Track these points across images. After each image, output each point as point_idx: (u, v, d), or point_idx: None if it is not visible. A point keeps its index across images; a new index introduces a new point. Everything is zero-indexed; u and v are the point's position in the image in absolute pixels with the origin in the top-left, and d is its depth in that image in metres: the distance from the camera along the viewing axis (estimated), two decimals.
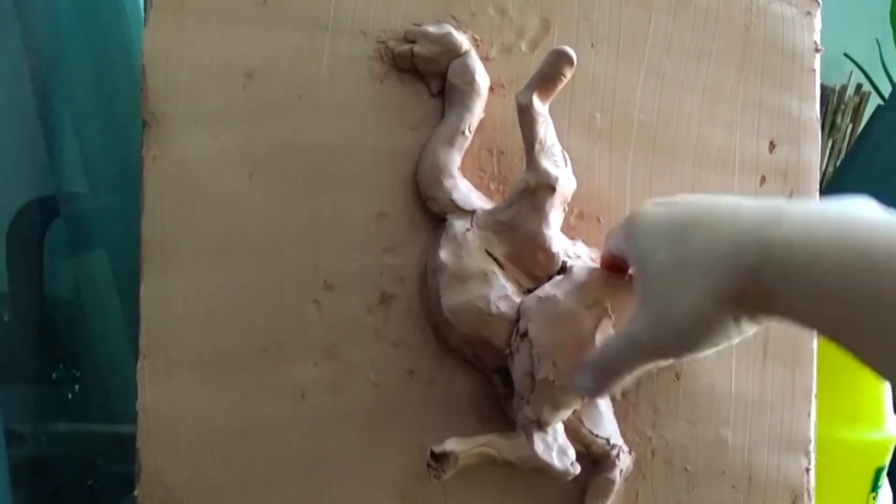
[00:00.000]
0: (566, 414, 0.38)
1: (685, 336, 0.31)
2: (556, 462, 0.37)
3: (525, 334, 0.37)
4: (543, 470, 0.37)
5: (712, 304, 0.30)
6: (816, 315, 0.28)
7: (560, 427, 0.38)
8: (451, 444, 0.36)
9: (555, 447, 0.38)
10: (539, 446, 0.37)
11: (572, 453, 0.38)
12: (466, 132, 0.40)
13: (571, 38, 0.42)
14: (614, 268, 0.38)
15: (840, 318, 0.27)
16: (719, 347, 0.32)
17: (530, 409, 0.37)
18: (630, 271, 0.38)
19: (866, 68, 1.11)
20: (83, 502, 0.61)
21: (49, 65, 0.58)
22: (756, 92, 0.44)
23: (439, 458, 0.36)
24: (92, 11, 0.60)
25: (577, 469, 0.38)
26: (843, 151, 1.07)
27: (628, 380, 0.35)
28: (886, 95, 1.06)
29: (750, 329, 0.31)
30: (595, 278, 0.38)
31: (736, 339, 0.31)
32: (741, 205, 0.31)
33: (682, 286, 0.30)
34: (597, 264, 0.41)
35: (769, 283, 0.28)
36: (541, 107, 0.38)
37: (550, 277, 0.39)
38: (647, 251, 0.33)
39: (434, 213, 0.40)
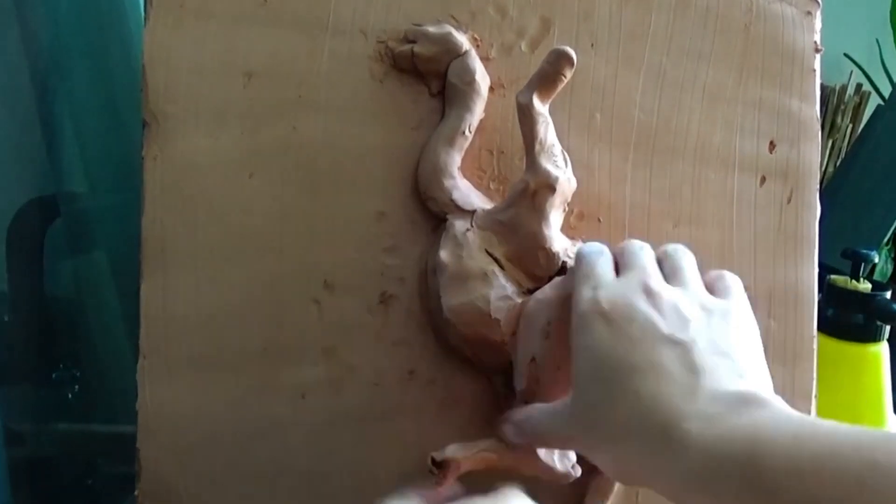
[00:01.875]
0: None
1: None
2: (558, 465, 0.37)
3: (527, 338, 0.37)
4: (544, 473, 0.37)
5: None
6: None
7: None
8: (452, 451, 0.36)
9: (556, 450, 0.38)
10: (541, 450, 0.37)
11: (573, 456, 0.38)
12: (466, 132, 0.40)
13: (571, 39, 0.42)
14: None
15: None
16: None
17: None
18: None
19: (866, 68, 1.11)
20: (83, 502, 0.61)
21: (49, 65, 0.58)
22: (756, 92, 0.44)
23: (440, 465, 0.35)
24: (92, 11, 0.59)
25: (578, 472, 0.38)
26: (843, 151, 1.07)
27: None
28: (886, 95, 1.06)
29: None
30: None
31: None
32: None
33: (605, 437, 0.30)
34: None
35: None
36: (541, 107, 0.38)
37: (551, 278, 0.39)
38: (587, 349, 0.31)
39: (434, 213, 0.40)
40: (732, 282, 0.34)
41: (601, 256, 0.34)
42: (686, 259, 0.34)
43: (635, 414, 0.28)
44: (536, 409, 0.35)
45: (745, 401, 0.28)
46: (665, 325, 0.30)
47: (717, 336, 0.30)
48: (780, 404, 0.28)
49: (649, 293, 0.31)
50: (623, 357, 0.30)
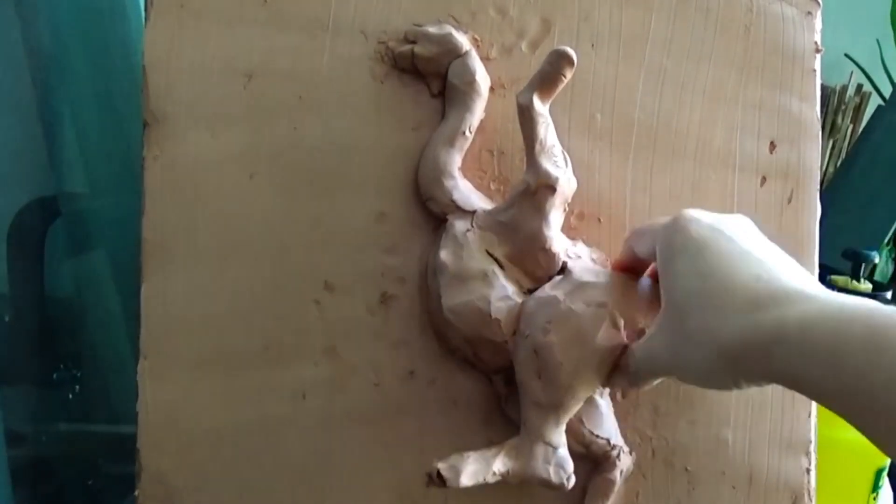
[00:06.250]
0: (572, 412, 0.38)
1: (690, 377, 0.33)
2: (553, 477, 0.37)
3: (527, 337, 0.37)
4: (542, 484, 0.37)
5: (719, 362, 0.31)
6: (823, 391, 0.28)
7: (563, 440, 0.38)
8: (469, 475, 0.35)
9: (552, 462, 0.37)
10: (537, 462, 0.37)
11: (569, 467, 0.38)
12: (467, 133, 0.40)
13: (572, 39, 0.42)
14: (627, 270, 0.39)
15: (850, 395, 0.27)
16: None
17: (537, 411, 0.37)
18: (646, 273, 0.39)
19: (867, 69, 1.11)
20: (84, 502, 0.61)
21: (49, 65, 0.58)
22: (756, 92, 0.44)
23: (443, 477, 0.35)
24: (92, 11, 0.60)
25: (572, 482, 0.38)
26: (844, 152, 1.07)
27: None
28: (887, 96, 1.06)
29: (750, 388, 0.32)
30: (598, 279, 0.38)
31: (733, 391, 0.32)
32: (762, 272, 0.31)
33: (697, 333, 0.31)
34: (597, 265, 0.41)
35: (783, 358, 0.29)
36: (541, 107, 0.38)
37: (551, 278, 0.39)
38: (676, 270, 0.33)
39: (434, 213, 0.40)
40: None
41: None
42: None
43: (730, 285, 0.31)
44: (636, 344, 0.36)
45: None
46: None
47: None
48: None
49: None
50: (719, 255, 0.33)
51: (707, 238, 0.33)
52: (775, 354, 0.29)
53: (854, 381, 0.26)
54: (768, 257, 0.32)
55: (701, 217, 0.34)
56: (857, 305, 0.28)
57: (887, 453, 0.27)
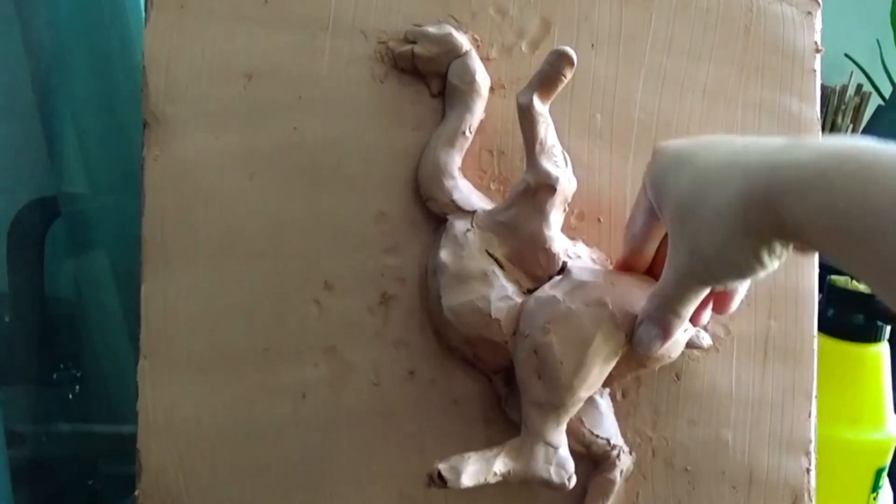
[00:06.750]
0: (573, 412, 0.38)
1: (715, 268, 0.32)
2: (554, 477, 0.37)
3: (527, 336, 0.37)
4: (543, 484, 0.37)
5: (733, 235, 0.31)
6: (828, 236, 0.28)
7: (563, 440, 0.38)
8: (470, 475, 0.35)
9: (552, 462, 0.37)
10: (538, 461, 0.37)
11: (570, 467, 0.38)
12: (467, 132, 0.40)
13: (572, 39, 0.42)
14: (628, 269, 0.39)
15: (851, 238, 0.27)
16: (747, 280, 0.33)
17: (538, 411, 0.37)
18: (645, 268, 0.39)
19: (867, 68, 1.11)
20: (83, 502, 0.61)
21: (49, 65, 0.58)
22: (756, 92, 0.44)
23: (444, 478, 0.35)
24: (92, 11, 0.60)
25: (573, 483, 0.38)
26: None
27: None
28: (887, 96, 1.06)
29: (774, 262, 0.31)
30: (598, 278, 0.38)
31: (762, 273, 0.32)
32: (750, 139, 0.33)
33: (705, 219, 0.31)
34: (597, 265, 0.41)
35: (782, 204, 0.28)
36: (541, 107, 0.38)
37: (551, 278, 0.39)
38: (668, 185, 0.34)
39: (434, 213, 0.41)
40: None
41: None
42: None
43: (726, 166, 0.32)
44: (655, 285, 0.36)
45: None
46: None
47: None
48: None
49: None
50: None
51: (689, 148, 0.35)
52: (775, 200, 0.29)
53: (844, 220, 0.26)
54: (753, 138, 0.33)
55: (678, 140, 0.36)
56: (846, 144, 0.28)
57: (883, 297, 0.27)
